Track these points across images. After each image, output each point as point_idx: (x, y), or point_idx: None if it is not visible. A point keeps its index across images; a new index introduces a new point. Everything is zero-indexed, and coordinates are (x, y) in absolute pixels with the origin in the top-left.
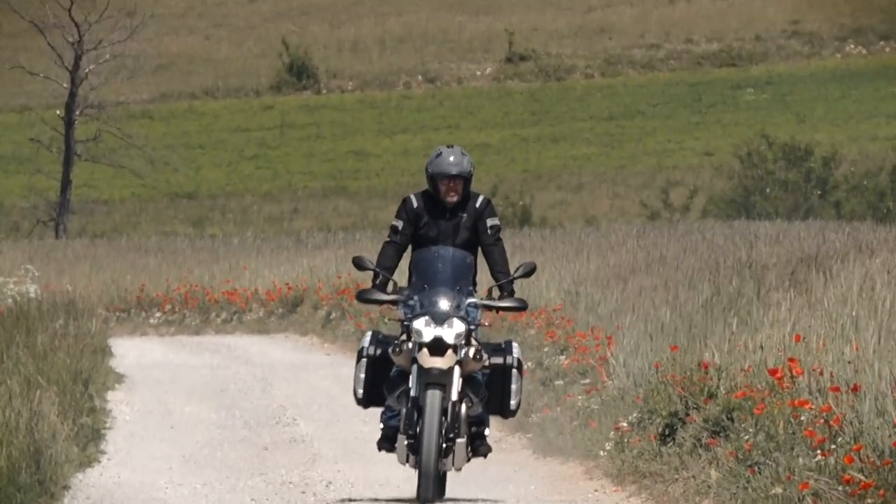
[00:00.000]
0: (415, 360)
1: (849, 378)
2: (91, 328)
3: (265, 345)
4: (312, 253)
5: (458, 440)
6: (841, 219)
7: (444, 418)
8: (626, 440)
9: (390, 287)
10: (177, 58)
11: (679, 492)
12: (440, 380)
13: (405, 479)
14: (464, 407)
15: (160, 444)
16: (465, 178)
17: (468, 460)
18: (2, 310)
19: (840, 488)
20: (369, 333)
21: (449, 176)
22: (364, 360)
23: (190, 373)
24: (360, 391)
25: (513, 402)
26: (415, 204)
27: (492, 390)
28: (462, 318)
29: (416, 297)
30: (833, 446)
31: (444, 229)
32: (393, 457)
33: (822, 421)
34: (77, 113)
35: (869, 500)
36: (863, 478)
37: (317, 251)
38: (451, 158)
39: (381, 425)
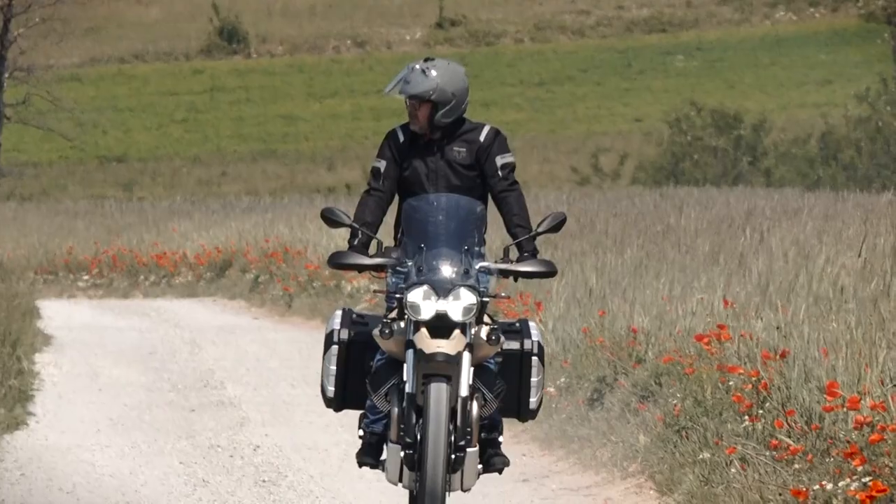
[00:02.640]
0: (410, 345)
1: (777, 344)
2: (19, 290)
3: (193, 308)
4: (241, 217)
5: (470, 450)
6: (770, 186)
7: (451, 421)
8: (554, 405)
9: (373, 248)
10: (106, 21)
11: (607, 456)
12: (445, 370)
13: (334, 444)
14: (475, 406)
15: (88, 407)
16: (433, 102)
17: (479, 476)
18: None
19: (767, 453)
20: (339, 312)
21: (409, 96)
22: (335, 346)
23: (118, 335)
24: (331, 389)
25: (533, 401)
26: (400, 137)
27: (506, 384)
28: (472, 288)
29: (409, 261)
30: (761, 411)
31: (434, 168)
32: (325, 422)
33: (750, 386)
34: (6, 76)
35: (796, 465)
36: (791, 442)
37: (245, 215)
38: (414, 75)
39: (361, 433)
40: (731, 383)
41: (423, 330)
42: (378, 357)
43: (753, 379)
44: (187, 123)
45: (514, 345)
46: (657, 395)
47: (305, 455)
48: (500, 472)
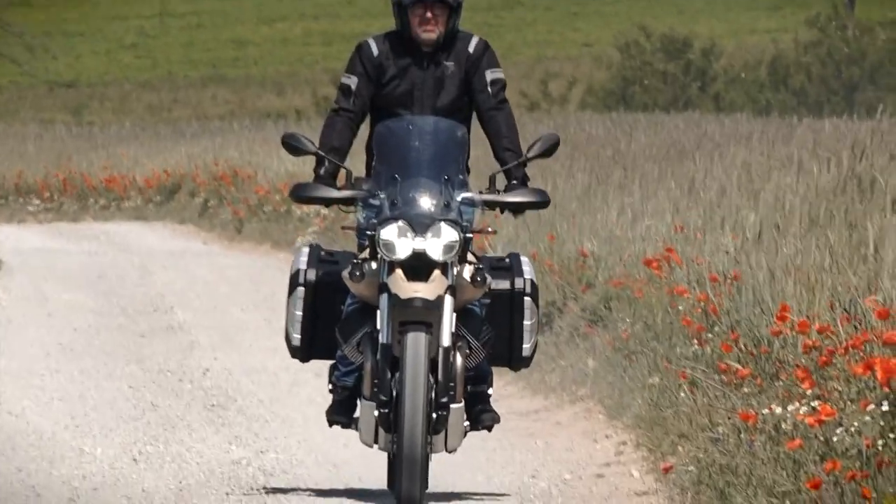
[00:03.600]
0: (384, 289)
1: (727, 268)
2: None
3: (143, 232)
4: (190, 142)
5: (454, 406)
6: (720, 111)
7: (431, 374)
8: None
9: (342, 178)
10: None
11: (556, 381)
12: (424, 316)
13: (284, 369)
14: (459, 357)
15: (37, 331)
16: (451, 5)
17: (465, 435)
18: None
19: (717, 377)
20: (305, 250)
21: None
22: (300, 289)
23: (68, 260)
24: (296, 337)
25: (526, 347)
26: (374, 50)
27: (495, 329)
28: (454, 223)
29: (382, 193)
30: (710, 335)
31: (422, 84)
32: (274, 346)
33: (699, 310)
34: None
35: (745, 389)
36: (739, 366)
37: (195, 139)
38: None
39: (331, 386)
40: (680, 308)
41: (399, 271)
42: (349, 301)
43: (702, 303)
44: (137, 48)
45: (504, 284)
46: (606, 320)
47: (255, 379)
48: (489, 429)
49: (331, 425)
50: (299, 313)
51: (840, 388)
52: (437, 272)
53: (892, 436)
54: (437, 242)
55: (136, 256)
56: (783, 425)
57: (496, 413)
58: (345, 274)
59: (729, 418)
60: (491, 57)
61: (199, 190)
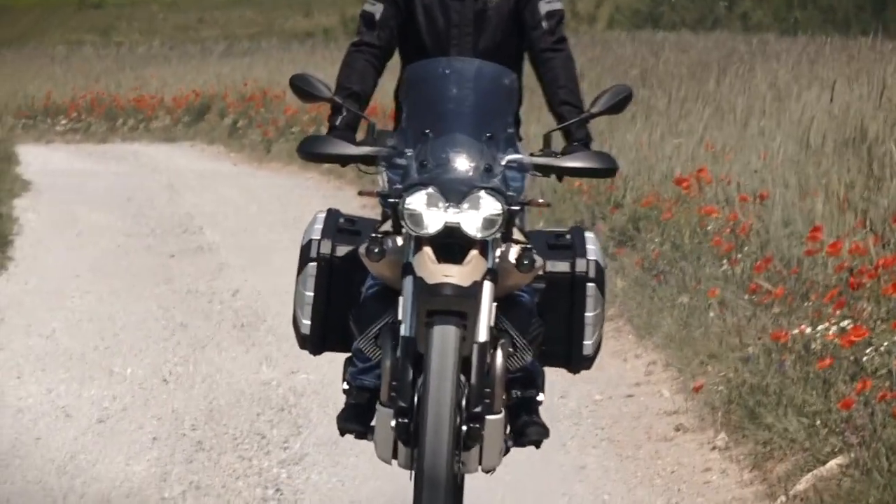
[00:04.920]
0: (408, 270)
1: (756, 188)
2: None
3: (172, 153)
4: (219, 62)
5: (490, 417)
6: (748, 31)
7: (463, 378)
8: None
9: (362, 132)
10: None
11: None
12: (456, 306)
13: None
14: (500, 355)
15: (67, 252)
16: None
17: (506, 452)
18: None
19: (746, 297)
20: (321, 216)
21: None
22: (312, 265)
23: (96, 180)
24: (306, 323)
25: (588, 344)
26: None
27: (549, 323)
28: (496, 191)
29: (410, 151)
30: (740, 255)
31: (460, 19)
32: None
33: (729, 230)
34: None
35: (776, 309)
36: (770, 287)
37: (223, 60)
38: None
39: (346, 386)
40: (709, 227)
41: (427, 250)
42: (369, 283)
43: (732, 223)
44: None
45: (562, 266)
46: (635, 240)
47: (284, 300)
48: (537, 445)
49: (343, 434)
50: (310, 294)
51: (870, 308)
52: (473, 252)
53: None
54: (475, 215)
55: (164, 177)
56: (813, 345)
57: (545, 426)
58: (361, 250)
59: (759, 338)
60: None
61: (227, 110)
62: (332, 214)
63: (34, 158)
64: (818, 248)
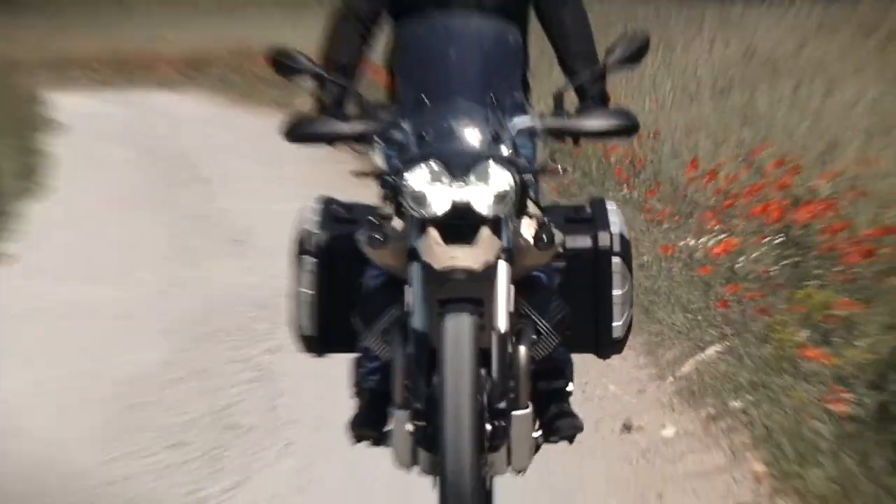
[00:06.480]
0: (414, 255)
1: (650, 126)
2: (26, 82)
3: (181, 100)
4: (217, 21)
5: (516, 413)
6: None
7: (483, 371)
8: None
9: (352, 106)
10: None
11: None
12: (469, 292)
13: (293, 210)
14: (522, 345)
15: (96, 184)
16: None
17: (537, 450)
18: None
19: (642, 216)
20: (315, 205)
21: None
22: (308, 258)
23: (114, 123)
24: (307, 324)
25: (617, 325)
26: None
27: (573, 305)
28: (507, 161)
29: (407, 122)
30: (636, 181)
31: None
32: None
33: (628, 161)
34: None
35: (665, 226)
36: (661, 207)
37: (224, 17)
38: None
39: (354, 388)
40: (612, 160)
41: (432, 231)
42: (371, 274)
43: (630, 156)
44: None
45: (584, 241)
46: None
47: (267, 220)
48: (570, 440)
49: (358, 441)
50: (311, 292)
51: (742, 224)
52: (485, 231)
53: (783, 263)
54: (485, 190)
55: (171, 121)
56: (696, 255)
57: (578, 418)
58: (361, 238)
59: (652, 249)
60: None
61: (225, 62)
62: (328, 203)
63: (59, 104)
64: (699, 175)
